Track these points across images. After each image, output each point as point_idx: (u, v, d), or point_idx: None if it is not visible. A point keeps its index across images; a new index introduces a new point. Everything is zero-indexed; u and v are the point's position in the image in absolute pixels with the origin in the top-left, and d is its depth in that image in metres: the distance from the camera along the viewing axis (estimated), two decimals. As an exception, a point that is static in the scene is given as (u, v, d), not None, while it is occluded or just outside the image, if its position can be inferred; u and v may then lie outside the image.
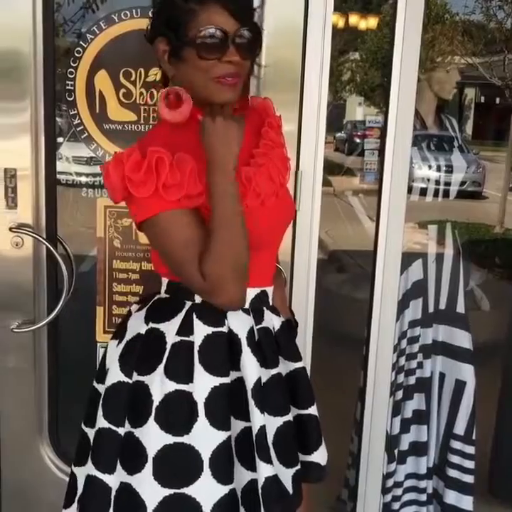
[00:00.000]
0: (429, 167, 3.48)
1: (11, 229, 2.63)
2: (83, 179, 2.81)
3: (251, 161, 1.88)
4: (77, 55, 2.61)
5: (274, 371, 1.93)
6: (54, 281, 2.75)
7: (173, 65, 1.83)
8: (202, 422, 1.82)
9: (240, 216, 1.75)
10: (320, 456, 2.05)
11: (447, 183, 3.32)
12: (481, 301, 4.52)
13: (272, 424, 1.90)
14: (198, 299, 1.88)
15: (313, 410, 2.04)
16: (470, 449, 3.09)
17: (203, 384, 1.83)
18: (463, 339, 3.15)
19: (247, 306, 1.91)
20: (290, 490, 1.92)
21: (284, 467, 1.91)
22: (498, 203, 8.84)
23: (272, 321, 1.97)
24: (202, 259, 1.72)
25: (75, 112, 2.65)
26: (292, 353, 2.01)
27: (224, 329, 1.87)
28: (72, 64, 2.61)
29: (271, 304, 2.00)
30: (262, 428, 1.83)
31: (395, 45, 2.62)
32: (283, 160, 1.98)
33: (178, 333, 1.87)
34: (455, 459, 3.10)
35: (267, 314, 1.96)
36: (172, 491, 1.83)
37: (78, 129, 2.67)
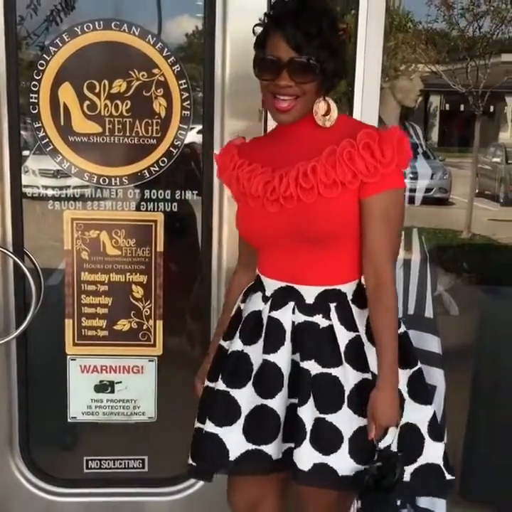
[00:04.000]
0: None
1: (-24, 243, 2.62)
2: (50, 192, 2.80)
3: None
4: (40, 67, 2.60)
5: (269, 357, 2.11)
6: (22, 294, 2.74)
7: None
8: None
9: None
10: (298, 457, 2.06)
11: (412, 190, 3.35)
12: (450, 306, 4.54)
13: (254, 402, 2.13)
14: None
15: (302, 411, 2.06)
16: (441, 452, 3.10)
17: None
18: (432, 343, 3.17)
19: (268, 294, 2.15)
20: None
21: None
22: (464, 208, 8.91)
23: (292, 316, 2.11)
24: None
25: (40, 124, 2.65)
26: (306, 352, 2.09)
27: (242, 306, 2.26)
28: (35, 77, 2.61)
29: (306, 301, 2.11)
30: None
31: (356, 54, 2.65)
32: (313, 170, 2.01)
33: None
34: (427, 462, 3.11)
35: (287, 308, 2.11)
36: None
37: (43, 142, 2.66)
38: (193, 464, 2.27)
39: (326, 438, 2.05)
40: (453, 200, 10.09)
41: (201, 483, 2.79)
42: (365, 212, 2.03)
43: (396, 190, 2.05)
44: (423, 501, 3.12)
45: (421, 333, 3.18)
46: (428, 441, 2.19)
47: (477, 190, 10.41)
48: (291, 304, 2.11)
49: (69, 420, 2.92)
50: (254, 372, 2.14)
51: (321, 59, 1.97)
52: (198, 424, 2.29)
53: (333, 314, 2.10)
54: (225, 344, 2.27)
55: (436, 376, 3.15)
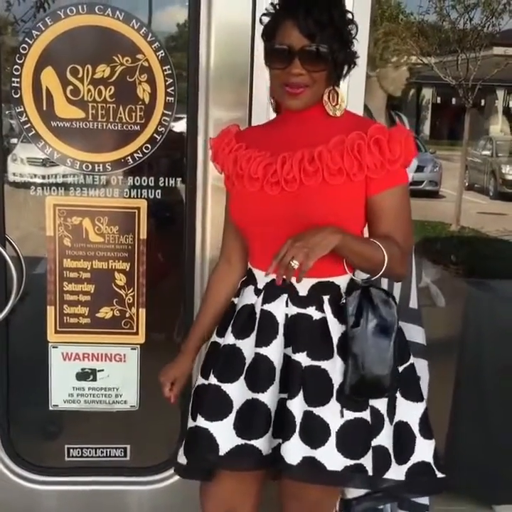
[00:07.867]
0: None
1: (-44, 230, 2.60)
2: (32, 178, 2.77)
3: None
4: (22, 51, 2.58)
5: (261, 350, 2.09)
6: (3, 282, 2.72)
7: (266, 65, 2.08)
8: None
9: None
10: (286, 450, 2.02)
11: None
12: (437, 298, 4.53)
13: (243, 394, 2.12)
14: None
15: (292, 404, 2.03)
16: (424, 443, 3.10)
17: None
18: (416, 334, 3.16)
19: (260, 286, 2.14)
20: None
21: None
22: (454, 201, 8.94)
23: (286, 308, 2.10)
24: None
25: (22, 109, 2.62)
26: (298, 344, 2.06)
27: (235, 301, 2.25)
28: (17, 61, 2.58)
29: (300, 294, 2.09)
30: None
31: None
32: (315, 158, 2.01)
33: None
34: (410, 453, 3.11)
35: (280, 301, 2.10)
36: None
37: (25, 127, 2.64)
38: (180, 462, 2.26)
39: (314, 431, 2.03)
40: (443, 193, 10.12)
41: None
42: (374, 208, 2.06)
43: (403, 185, 2.09)
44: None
45: (405, 323, 3.17)
46: (419, 439, 2.19)
47: (467, 183, 10.43)
48: (284, 296, 2.10)
49: (50, 408, 2.90)
50: (246, 367, 2.12)
51: (333, 48, 1.99)
52: (191, 423, 2.23)
53: (327, 307, 2.08)
54: (219, 340, 2.24)
55: (419, 367, 3.14)
